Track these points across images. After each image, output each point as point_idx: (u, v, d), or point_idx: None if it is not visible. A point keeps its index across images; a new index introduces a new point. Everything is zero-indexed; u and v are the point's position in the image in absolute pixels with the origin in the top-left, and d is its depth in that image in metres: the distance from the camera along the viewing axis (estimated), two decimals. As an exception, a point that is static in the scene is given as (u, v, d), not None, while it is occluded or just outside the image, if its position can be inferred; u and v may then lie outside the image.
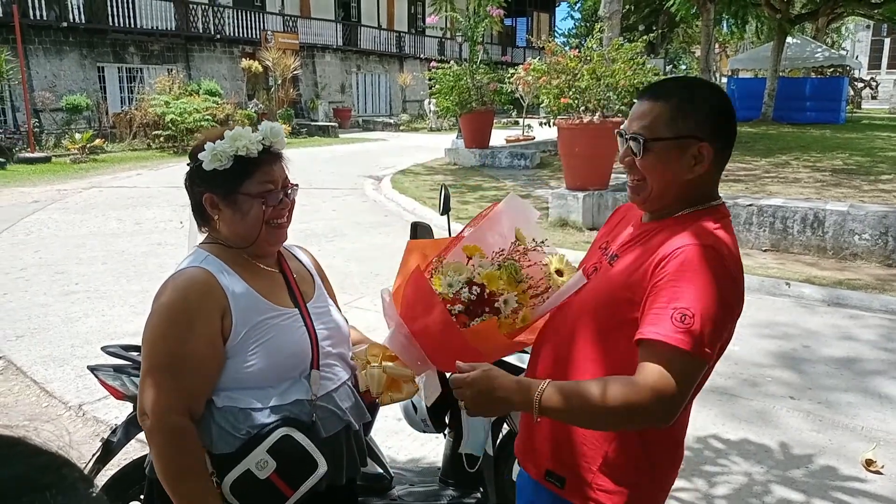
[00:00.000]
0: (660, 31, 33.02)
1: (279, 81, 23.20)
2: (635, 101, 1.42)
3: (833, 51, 28.04)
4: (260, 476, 1.47)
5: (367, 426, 1.93)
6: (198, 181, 1.60)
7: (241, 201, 1.56)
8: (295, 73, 23.68)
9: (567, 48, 10.01)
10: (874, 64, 38.55)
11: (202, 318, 1.49)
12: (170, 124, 17.06)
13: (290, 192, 1.63)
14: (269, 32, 24.21)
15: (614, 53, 8.41)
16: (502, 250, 1.55)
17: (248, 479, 1.47)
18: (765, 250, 6.99)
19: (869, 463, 3.13)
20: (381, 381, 1.59)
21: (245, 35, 24.21)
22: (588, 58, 8.29)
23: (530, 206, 1.69)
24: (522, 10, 38.71)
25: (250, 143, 1.53)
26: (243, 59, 23.38)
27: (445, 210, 2.37)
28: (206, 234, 1.67)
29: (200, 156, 1.55)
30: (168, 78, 19.43)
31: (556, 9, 44.92)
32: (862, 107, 31.91)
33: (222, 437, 1.49)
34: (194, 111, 17.33)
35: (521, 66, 13.05)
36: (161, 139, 17.33)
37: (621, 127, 1.44)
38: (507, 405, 1.36)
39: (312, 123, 24.11)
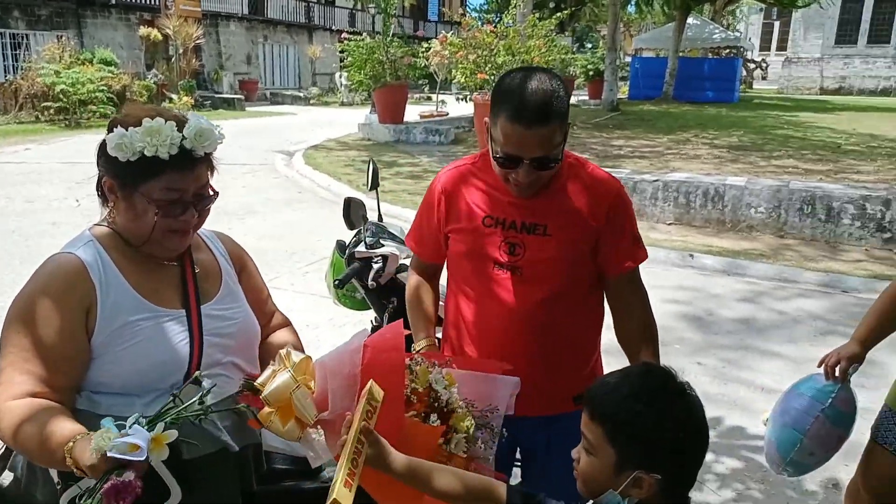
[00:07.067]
0: (569, 9, 33.57)
1: (180, 51, 22.05)
2: (522, 127, 1.52)
3: (728, 32, 29.38)
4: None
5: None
6: (102, 159, 1.43)
7: (136, 201, 1.40)
8: (197, 42, 22.57)
9: (481, 23, 10.02)
10: (764, 46, 40.64)
11: (62, 311, 1.35)
12: (60, 95, 15.87)
13: (200, 202, 1.44)
14: (168, -1, 22.97)
15: (530, 30, 8.50)
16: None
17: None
18: (669, 223, 7.31)
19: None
20: (282, 393, 1.33)
21: (143, 1, 22.80)
22: (504, 34, 8.34)
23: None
24: (433, -16, 38.48)
25: (163, 145, 1.34)
26: (141, 27, 22.04)
27: (374, 185, 2.33)
28: (107, 212, 1.50)
29: (107, 136, 1.38)
30: (58, 45, 18.09)
31: (467, -17, 44.90)
32: (753, 87, 33.78)
33: None
34: (88, 81, 16.23)
35: (434, 40, 12.98)
36: (51, 111, 16.12)
37: (522, 155, 1.57)
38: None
39: (216, 95, 23.09)
